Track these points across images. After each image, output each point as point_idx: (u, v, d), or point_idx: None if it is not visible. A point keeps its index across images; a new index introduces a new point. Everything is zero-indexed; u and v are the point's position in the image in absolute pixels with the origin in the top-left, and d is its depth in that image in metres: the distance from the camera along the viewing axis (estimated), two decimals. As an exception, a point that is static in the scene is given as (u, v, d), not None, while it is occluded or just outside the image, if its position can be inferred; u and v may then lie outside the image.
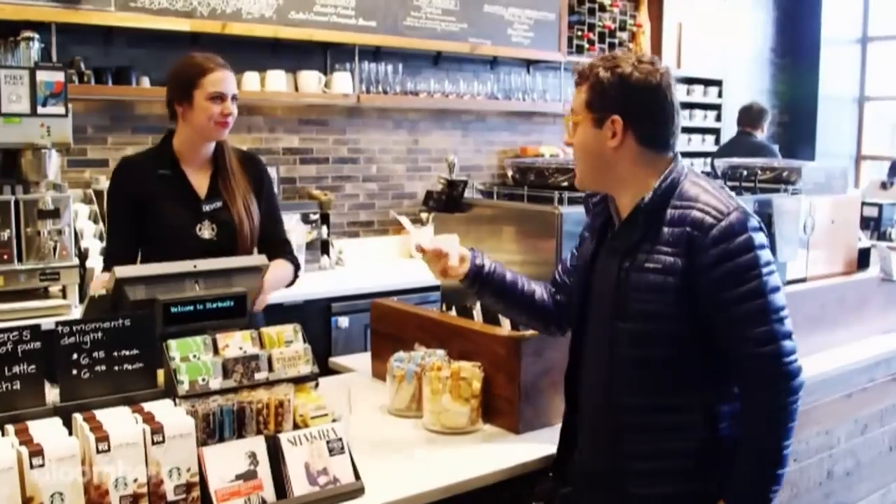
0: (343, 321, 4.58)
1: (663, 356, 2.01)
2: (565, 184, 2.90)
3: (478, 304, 2.77)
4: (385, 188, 5.77)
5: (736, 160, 4.11)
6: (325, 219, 5.20)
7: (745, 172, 3.66)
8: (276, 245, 3.09)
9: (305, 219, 5.06)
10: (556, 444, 2.34)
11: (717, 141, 7.79)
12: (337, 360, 3.27)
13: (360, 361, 3.14)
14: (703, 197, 1.99)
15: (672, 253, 1.96)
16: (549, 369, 2.49)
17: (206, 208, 2.93)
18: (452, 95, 5.74)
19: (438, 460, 2.29)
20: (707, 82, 7.80)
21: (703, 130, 7.85)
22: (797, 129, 9.00)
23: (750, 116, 6.83)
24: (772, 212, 3.20)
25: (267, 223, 3.07)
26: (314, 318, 4.51)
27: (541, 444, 2.39)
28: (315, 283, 4.71)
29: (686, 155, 2.59)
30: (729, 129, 7.54)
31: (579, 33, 6.51)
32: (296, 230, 4.93)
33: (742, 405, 2.00)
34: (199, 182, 2.97)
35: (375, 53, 5.50)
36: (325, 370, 3.23)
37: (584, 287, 2.20)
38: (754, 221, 1.98)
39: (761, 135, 6.84)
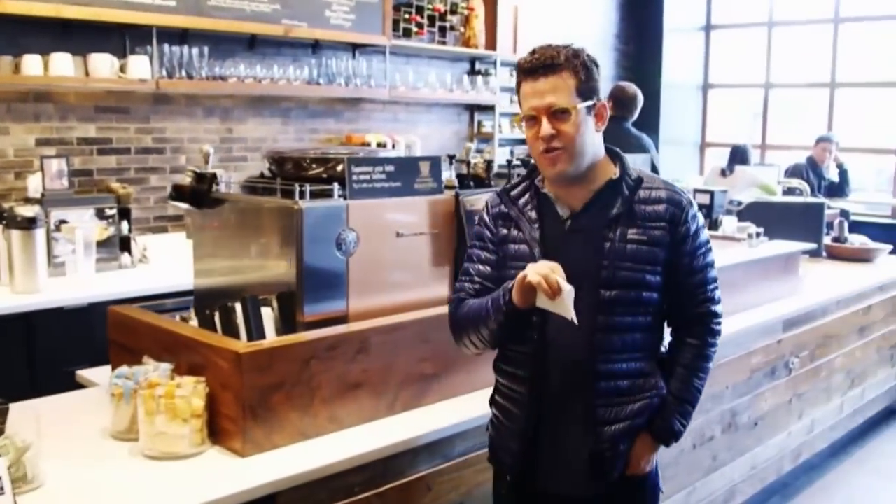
0: (133, 325, 4.20)
1: (642, 323, 2.16)
2: (325, 176, 2.66)
3: (217, 311, 2.50)
4: (196, 180, 5.41)
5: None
6: (124, 213, 4.81)
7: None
8: None
9: (101, 214, 4.67)
10: (284, 467, 2.15)
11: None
12: (84, 373, 2.92)
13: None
14: (659, 180, 2.20)
15: (657, 227, 2.13)
16: (282, 384, 2.23)
17: None
18: (266, 81, 5.40)
19: (147, 491, 2.02)
20: (547, 68, 7.61)
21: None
22: (641, 117, 8.89)
23: (621, 101, 5.88)
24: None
25: None
26: (101, 322, 4.15)
27: (267, 468, 2.13)
28: (105, 284, 4.33)
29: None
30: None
31: (406, 16, 6.26)
32: (87, 226, 4.56)
33: (675, 353, 2.25)
34: None
35: (182, 36, 5.13)
36: (73, 384, 2.91)
37: None
38: None
39: (632, 121, 6.02)
